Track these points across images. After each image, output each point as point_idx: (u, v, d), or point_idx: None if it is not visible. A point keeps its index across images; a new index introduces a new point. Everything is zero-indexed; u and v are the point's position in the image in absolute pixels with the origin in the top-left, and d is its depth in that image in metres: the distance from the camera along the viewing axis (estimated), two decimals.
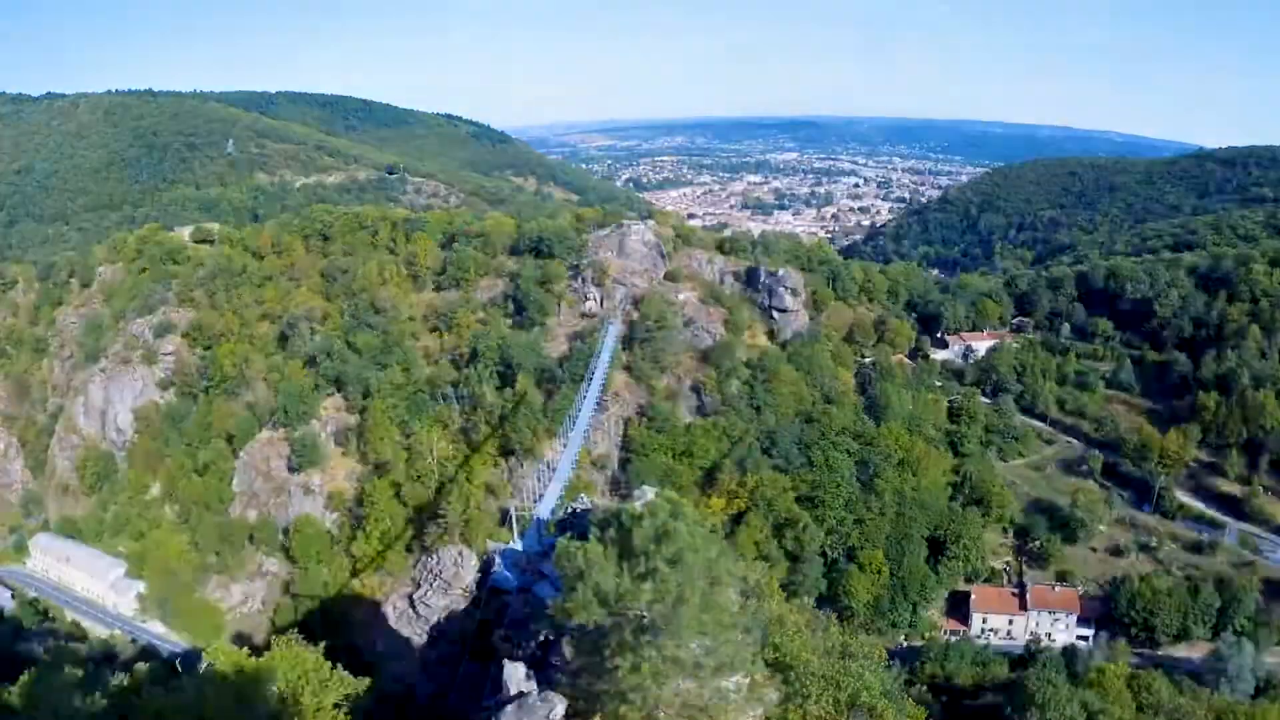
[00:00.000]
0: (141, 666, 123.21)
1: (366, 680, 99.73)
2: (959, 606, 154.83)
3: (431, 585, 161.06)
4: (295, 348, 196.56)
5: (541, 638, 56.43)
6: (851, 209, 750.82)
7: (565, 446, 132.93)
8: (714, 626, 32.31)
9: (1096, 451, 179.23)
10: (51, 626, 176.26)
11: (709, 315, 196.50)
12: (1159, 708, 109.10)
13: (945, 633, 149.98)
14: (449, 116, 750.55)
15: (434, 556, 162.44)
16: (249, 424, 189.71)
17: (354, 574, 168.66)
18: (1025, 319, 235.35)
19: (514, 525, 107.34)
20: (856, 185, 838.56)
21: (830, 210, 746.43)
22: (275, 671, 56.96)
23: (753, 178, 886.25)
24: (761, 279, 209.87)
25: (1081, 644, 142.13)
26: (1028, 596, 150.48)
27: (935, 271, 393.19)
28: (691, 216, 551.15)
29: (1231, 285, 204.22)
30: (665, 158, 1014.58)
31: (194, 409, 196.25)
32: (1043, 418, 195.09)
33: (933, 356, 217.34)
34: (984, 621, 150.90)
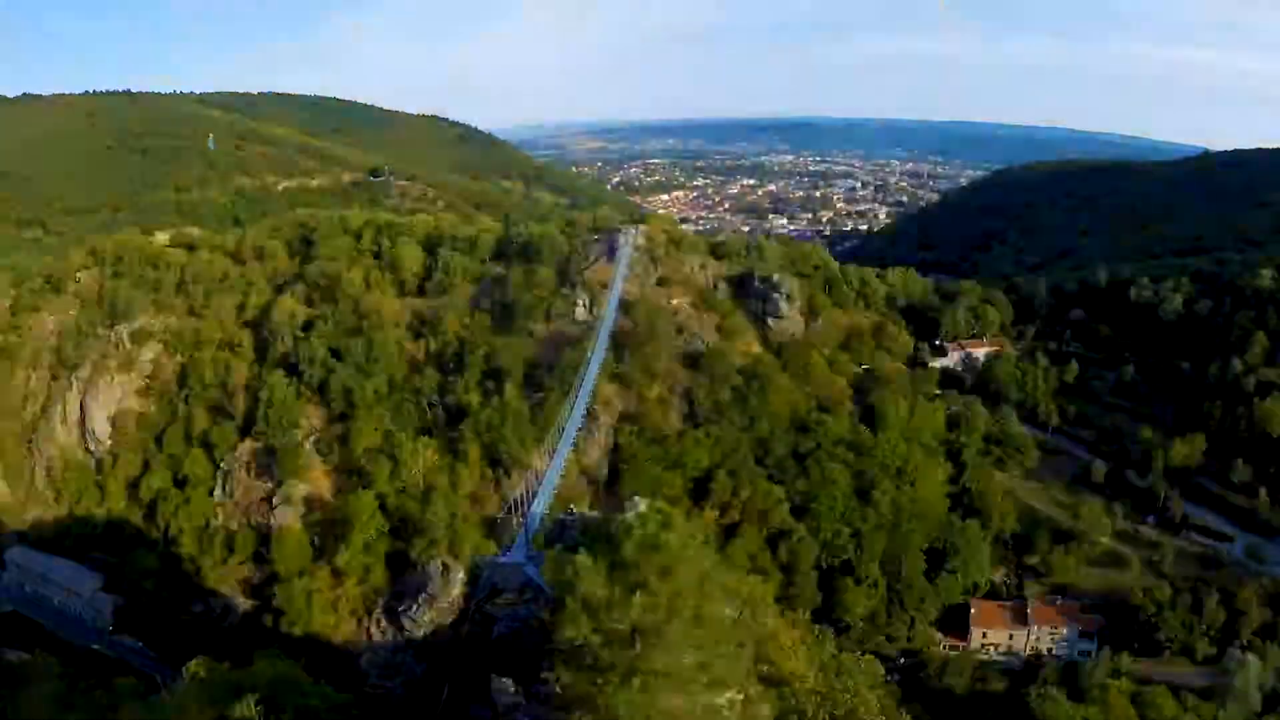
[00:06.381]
0: (121, 681, 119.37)
1: (348, 695, 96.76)
2: (958, 620, 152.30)
3: (416, 598, 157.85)
4: (277, 355, 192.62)
5: (530, 652, 54.05)
6: (848, 213, 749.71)
7: (553, 456, 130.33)
8: (706, 640, 32.49)
9: (1099, 461, 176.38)
10: (29, 640, 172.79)
11: (701, 322, 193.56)
12: None
13: (943, 647, 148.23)
14: (436, 118, 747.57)
15: (418, 569, 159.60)
16: (229, 433, 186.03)
17: (336, 586, 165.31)
18: (1026, 325, 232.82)
19: (500, 537, 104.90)
20: (853, 188, 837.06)
21: (826, 214, 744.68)
22: (255, 686, 55.06)
23: (747, 181, 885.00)
24: (755, 285, 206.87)
25: (1083, 659, 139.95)
26: (1028, 610, 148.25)
27: (933, 277, 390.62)
28: (684, 220, 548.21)
29: (1237, 291, 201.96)
30: (657, 160, 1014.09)
31: (175, 418, 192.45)
32: (1044, 427, 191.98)
33: (931, 364, 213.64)
34: (983, 635, 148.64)
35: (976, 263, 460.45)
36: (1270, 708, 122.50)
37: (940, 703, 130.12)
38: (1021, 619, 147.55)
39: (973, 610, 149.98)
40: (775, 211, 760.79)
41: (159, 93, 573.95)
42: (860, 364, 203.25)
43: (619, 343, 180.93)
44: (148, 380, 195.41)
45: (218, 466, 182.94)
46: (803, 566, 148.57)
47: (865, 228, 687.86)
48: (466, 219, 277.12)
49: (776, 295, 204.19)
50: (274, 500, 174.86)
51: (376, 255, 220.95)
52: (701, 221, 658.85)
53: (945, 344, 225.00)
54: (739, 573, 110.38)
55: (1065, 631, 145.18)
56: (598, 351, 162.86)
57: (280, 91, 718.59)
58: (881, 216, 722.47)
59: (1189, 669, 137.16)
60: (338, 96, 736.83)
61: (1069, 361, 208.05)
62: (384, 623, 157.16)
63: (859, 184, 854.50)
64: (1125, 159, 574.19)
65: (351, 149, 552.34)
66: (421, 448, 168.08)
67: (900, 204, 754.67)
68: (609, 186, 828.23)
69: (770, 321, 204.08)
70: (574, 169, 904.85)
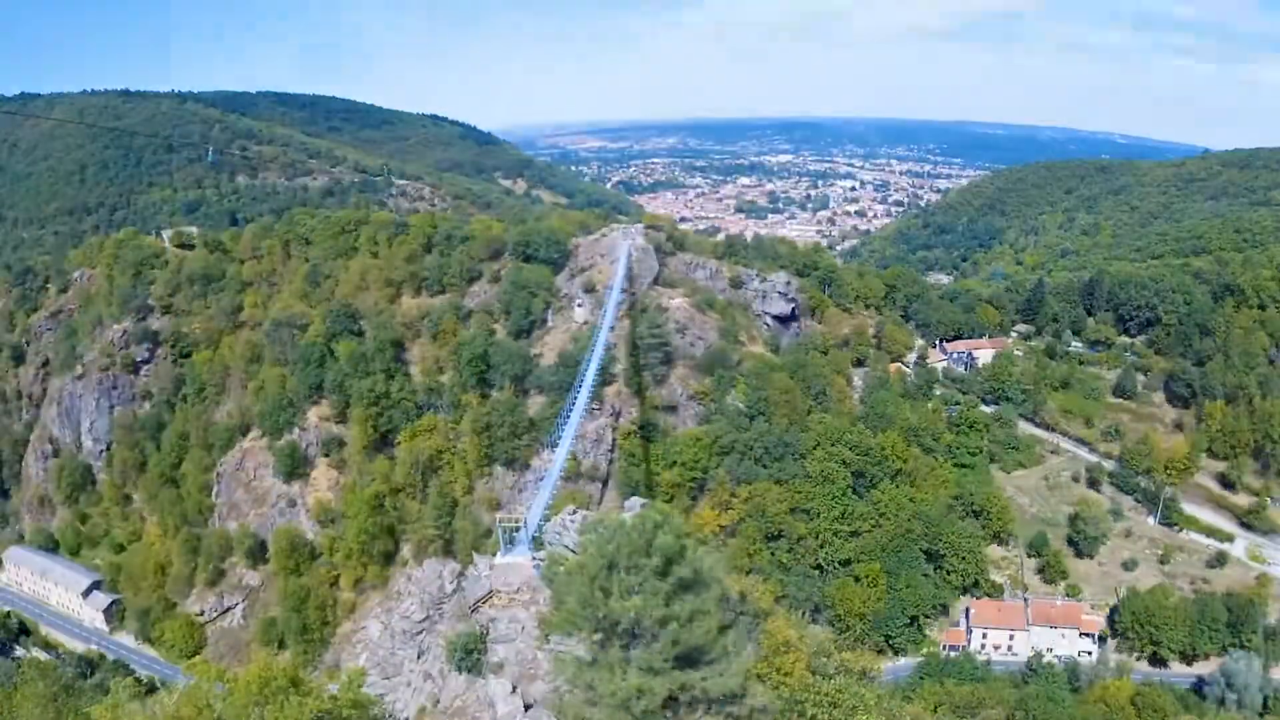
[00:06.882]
0: (118, 682, 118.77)
1: (348, 696, 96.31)
2: (959, 621, 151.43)
3: (416, 598, 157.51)
4: (276, 355, 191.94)
5: (528, 652, 54.04)
6: (848, 212, 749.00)
7: (554, 456, 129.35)
8: (704, 640, 32.01)
9: (1101, 462, 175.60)
10: (26, 641, 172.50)
11: (702, 322, 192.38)
12: None
13: (944, 648, 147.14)
14: (435, 117, 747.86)
15: (419, 568, 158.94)
16: (229, 433, 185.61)
17: (336, 586, 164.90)
18: (1028, 325, 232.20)
19: (500, 537, 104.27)
20: (853, 188, 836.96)
21: (826, 214, 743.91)
22: (254, 686, 54.48)
23: (747, 180, 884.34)
24: (756, 284, 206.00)
25: (1085, 659, 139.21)
26: (1029, 611, 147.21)
27: (935, 277, 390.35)
28: (684, 220, 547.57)
29: (1239, 291, 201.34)
30: (657, 160, 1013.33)
31: (173, 417, 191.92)
32: (1046, 427, 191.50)
33: (932, 364, 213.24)
34: (984, 636, 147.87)
35: (976, 262, 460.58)
36: (1270, 708, 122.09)
37: (940, 703, 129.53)
38: (1022, 619, 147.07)
39: (973, 610, 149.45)
40: (775, 211, 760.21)
41: (158, 93, 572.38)
42: (861, 364, 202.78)
43: (619, 342, 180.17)
44: (146, 379, 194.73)
45: (218, 467, 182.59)
46: (802, 567, 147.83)
47: (865, 227, 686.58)
48: (466, 218, 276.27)
49: (777, 295, 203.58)
50: (272, 499, 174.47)
51: (375, 254, 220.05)
52: (701, 221, 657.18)
53: (946, 344, 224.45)
54: (738, 572, 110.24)
55: (1067, 632, 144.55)
56: (597, 351, 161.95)
57: (280, 91, 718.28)
58: (881, 216, 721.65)
59: (1190, 669, 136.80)
60: (338, 96, 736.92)
61: (1071, 361, 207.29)
62: (383, 622, 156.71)
63: (859, 183, 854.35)
64: (1125, 159, 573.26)
65: (352, 149, 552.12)
66: (421, 447, 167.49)
67: (901, 204, 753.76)
68: (609, 186, 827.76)
69: (771, 321, 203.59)
70: (574, 168, 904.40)
